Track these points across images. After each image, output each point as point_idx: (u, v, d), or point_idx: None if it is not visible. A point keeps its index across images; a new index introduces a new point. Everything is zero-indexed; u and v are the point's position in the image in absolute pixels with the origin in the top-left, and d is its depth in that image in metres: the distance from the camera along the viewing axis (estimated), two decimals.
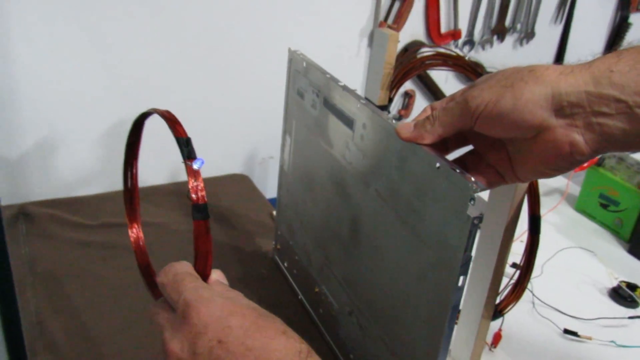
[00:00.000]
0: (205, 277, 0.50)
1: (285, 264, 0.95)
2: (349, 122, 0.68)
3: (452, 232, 0.51)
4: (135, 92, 1.14)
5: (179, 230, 1.07)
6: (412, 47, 1.42)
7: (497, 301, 0.81)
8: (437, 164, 0.52)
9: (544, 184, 1.35)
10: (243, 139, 1.33)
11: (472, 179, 0.49)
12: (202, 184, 0.47)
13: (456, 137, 0.57)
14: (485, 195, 0.53)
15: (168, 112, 0.50)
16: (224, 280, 0.51)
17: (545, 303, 1.00)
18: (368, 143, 0.64)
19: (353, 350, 0.75)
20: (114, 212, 1.09)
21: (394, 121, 0.59)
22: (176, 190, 1.20)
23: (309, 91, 0.77)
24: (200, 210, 0.47)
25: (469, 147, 0.59)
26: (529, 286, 0.95)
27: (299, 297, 0.90)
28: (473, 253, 0.52)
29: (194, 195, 0.47)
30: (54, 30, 1.03)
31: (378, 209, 0.63)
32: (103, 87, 1.12)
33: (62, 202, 1.11)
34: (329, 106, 0.72)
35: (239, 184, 1.27)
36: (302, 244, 0.87)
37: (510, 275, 0.86)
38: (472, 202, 0.49)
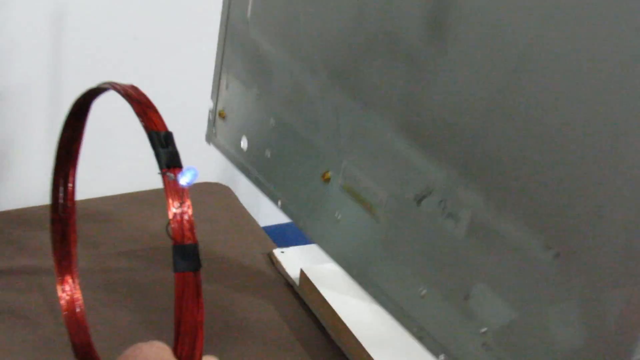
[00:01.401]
0: None
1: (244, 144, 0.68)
2: None
3: None
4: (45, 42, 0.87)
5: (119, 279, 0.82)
6: None
7: None
8: None
9: None
10: None
11: None
12: (190, 211, 0.36)
13: None
14: None
15: (134, 89, 0.40)
16: None
17: None
18: None
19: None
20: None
21: None
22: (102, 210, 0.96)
23: None
24: (186, 256, 0.35)
25: None
26: None
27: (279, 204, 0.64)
28: None
29: (175, 226, 0.35)
30: None
31: None
32: None
33: None
34: None
35: (217, 198, 1.05)
36: (294, 90, 0.60)
37: None
38: None
